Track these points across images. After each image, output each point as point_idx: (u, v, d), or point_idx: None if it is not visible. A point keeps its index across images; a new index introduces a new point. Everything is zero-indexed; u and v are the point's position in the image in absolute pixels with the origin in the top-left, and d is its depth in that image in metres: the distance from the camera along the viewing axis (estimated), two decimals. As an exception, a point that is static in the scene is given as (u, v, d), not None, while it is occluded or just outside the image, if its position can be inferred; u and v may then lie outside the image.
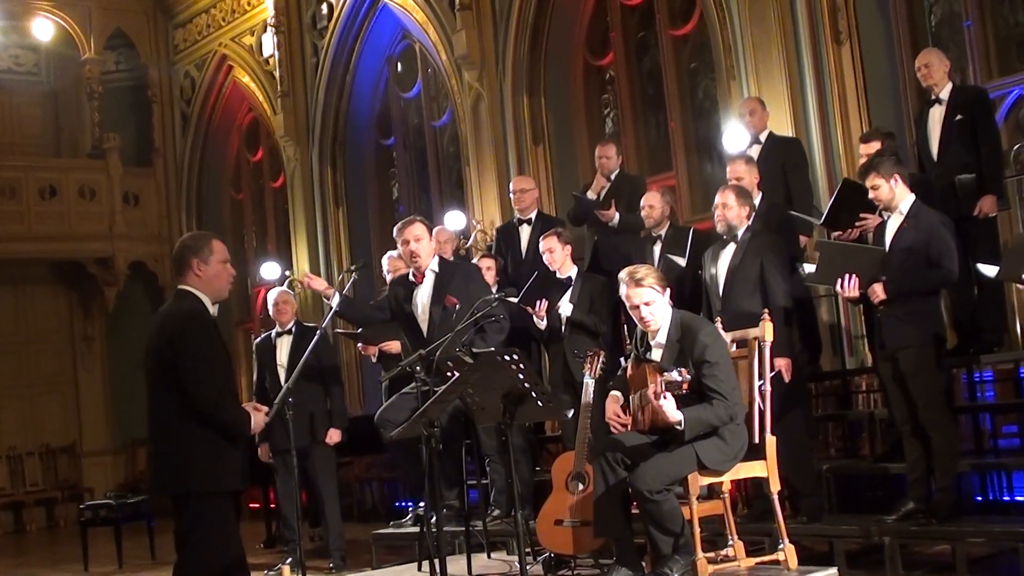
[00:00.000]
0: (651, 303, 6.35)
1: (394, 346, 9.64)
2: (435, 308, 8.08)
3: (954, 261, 6.92)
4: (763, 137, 9.24)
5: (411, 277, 8.26)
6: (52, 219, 18.06)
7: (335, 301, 8.13)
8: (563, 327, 8.68)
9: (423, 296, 8.17)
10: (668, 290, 6.47)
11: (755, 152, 9.13)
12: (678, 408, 6.01)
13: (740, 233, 7.62)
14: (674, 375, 5.89)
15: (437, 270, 8.21)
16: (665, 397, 5.95)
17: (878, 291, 6.99)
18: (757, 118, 9.28)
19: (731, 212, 7.60)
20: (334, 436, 9.72)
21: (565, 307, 8.63)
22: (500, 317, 7.99)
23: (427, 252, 8.17)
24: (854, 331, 10.01)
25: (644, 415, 6.34)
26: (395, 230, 8.29)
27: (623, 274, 6.47)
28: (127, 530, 11.97)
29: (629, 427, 6.42)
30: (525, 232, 10.16)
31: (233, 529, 5.82)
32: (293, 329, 9.94)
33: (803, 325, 8.98)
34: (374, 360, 10.24)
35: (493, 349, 6.88)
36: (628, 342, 8.29)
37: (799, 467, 7.56)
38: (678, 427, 6.04)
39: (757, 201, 8.11)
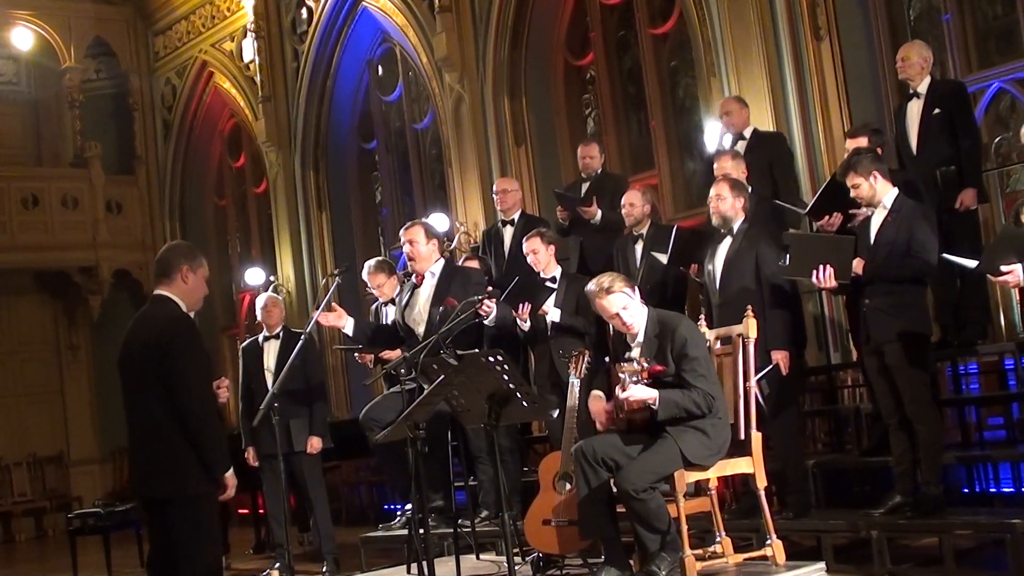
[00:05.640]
0: (627, 307, 6.38)
1: (394, 355, 9.61)
2: (433, 310, 8.14)
3: (932, 252, 6.92)
4: (747, 133, 9.24)
5: (414, 279, 8.34)
6: (35, 229, 18.02)
7: (349, 328, 8.27)
8: (548, 328, 8.66)
9: (422, 298, 8.24)
10: (637, 289, 6.50)
11: (741, 149, 9.13)
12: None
13: (736, 225, 7.58)
14: (634, 360, 5.97)
15: (438, 273, 8.26)
16: (629, 387, 6.03)
17: (857, 268, 7.00)
18: (735, 117, 9.28)
19: (725, 203, 7.56)
20: (315, 444, 9.62)
21: (553, 312, 8.56)
22: None
23: (423, 255, 8.27)
24: (839, 325, 10.01)
25: (622, 415, 6.37)
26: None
27: (592, 287, 6.49)
28: (116, 538, 11.93)
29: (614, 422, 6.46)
30: (508, 233, 10.12)
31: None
32: (280, 334, 9.88)
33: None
34: (371, 367, 10.16)
35: (477, 351, 6.88)
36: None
37: (794, 461, 7.58)
38: (653, 406, 6.07)
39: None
